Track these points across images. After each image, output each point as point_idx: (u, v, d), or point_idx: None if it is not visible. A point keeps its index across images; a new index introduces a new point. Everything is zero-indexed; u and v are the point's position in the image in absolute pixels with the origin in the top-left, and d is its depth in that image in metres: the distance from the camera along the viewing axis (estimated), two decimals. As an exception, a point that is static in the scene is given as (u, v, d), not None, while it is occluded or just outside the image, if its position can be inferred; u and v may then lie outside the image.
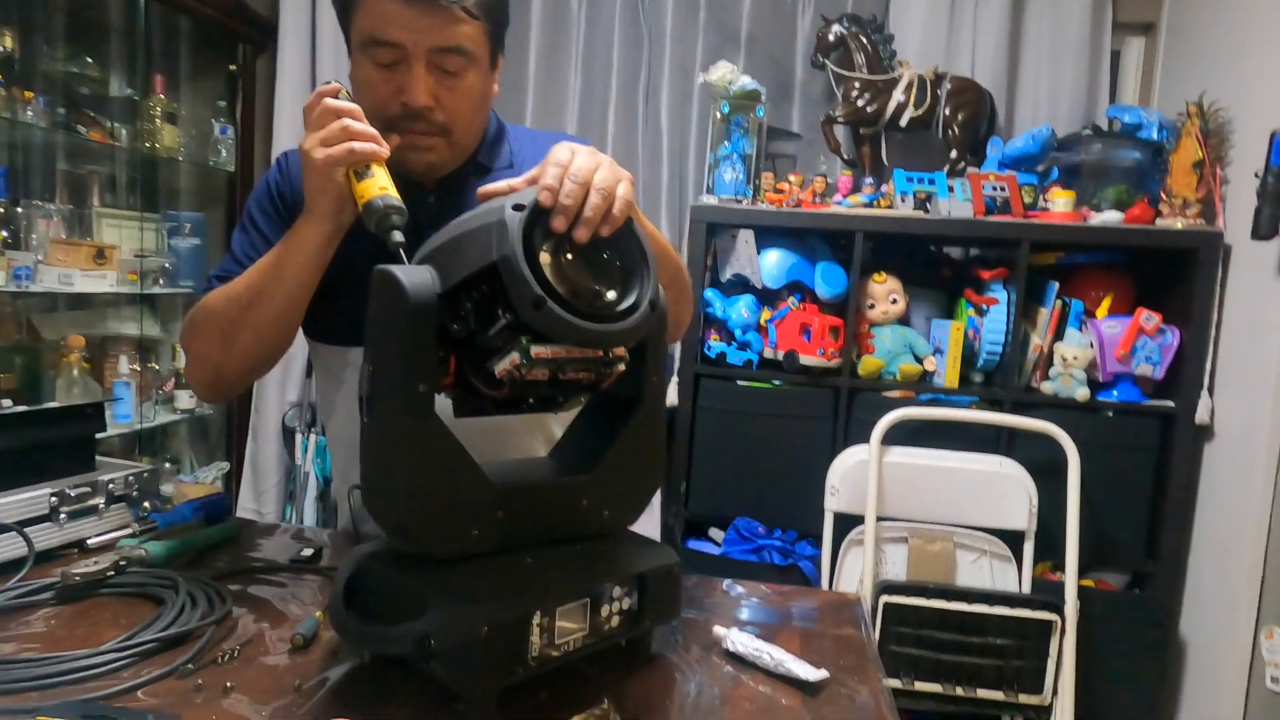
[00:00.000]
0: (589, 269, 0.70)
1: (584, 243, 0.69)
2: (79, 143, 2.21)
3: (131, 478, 1.01)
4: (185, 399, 2.53)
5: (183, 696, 0.68)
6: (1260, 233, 1.63)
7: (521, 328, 0.66)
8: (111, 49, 2.34)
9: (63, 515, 0.93)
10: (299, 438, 2.62)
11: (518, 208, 0.66)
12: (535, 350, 0.67)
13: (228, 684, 0.70)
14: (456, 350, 0.71)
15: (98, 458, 1.04)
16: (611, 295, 0.70)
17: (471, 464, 0.71)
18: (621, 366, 0.75)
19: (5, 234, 1.94)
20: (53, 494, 0.92)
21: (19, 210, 2.03)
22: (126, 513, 1.00)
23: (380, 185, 0.83)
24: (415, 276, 0.67)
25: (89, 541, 0.95)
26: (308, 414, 2.62)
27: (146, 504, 1.02)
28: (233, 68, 2.59)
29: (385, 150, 0.85)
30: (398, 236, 0.80)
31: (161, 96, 2.35)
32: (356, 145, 0.83)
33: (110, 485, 0.98)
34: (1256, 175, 1.64)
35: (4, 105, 1.92)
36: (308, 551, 1.00)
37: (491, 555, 0.73)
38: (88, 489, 0.96)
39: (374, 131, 0.85)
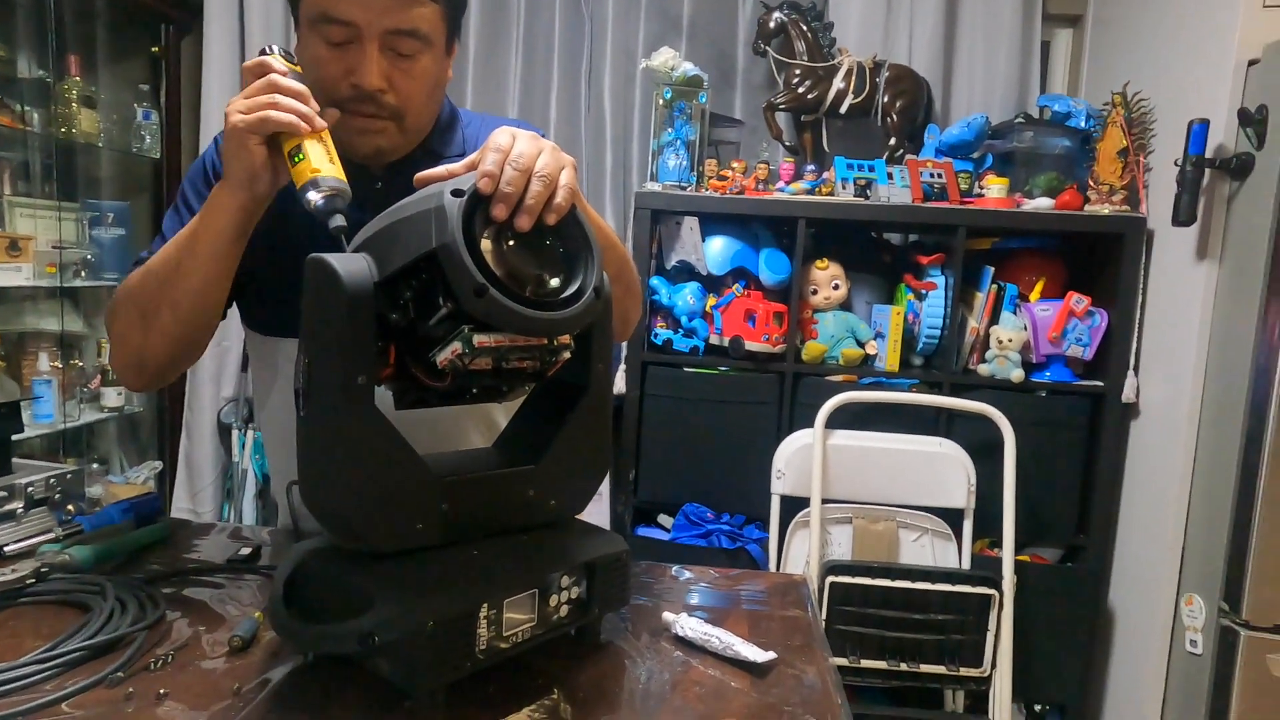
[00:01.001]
0: (532, 256, 0.69)
1: (526, 231, 0.68)
2: (-14, 127, 2.09)
3: (53, 480, 0.96)
4: (113, 396, 2.42)
5: (112, 707, 0.65)
6: (1180, 219, 1.70)
7: (464, 316, 0.65)
8: (19, 27, 2.21)
9: (-23, 521, 0.88)
10: (235, 434, 2.54)
11: (457, 193, 0.65)
12: (478, 339, 0.66)
13: (161, 691, 0.67)
14: (396, 340, 0.69)
15: (16, 460, 0.99)
16: (555, 282, 0.69)
17: (414, 456, 0.70)
18: (566, 354, 0.74)
19: (-93, 225, 1.83)
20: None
21: (-78, 199, 1.91)
22: (49, 517, 0.95)
23: (314, 167, 0.78)
24: (351, 265, 0.65)
25: (7, 548, 0.90)
26: (244, 409, 2.54)
27: (70, 507, 0.97)
28: (155, 49, 2.48)
29: (307, 126, 0.80)
30: (338, 220, 0.77)
31: (77, 79, 2.23)
32: (273, 114, 0.78)
33: (29, 488, 0.94)
34: (1176, 164, 1.71)
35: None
36: (245, 550, 0.97)
37: (437, 549, 0.72)
38: (4, 493, 0.91)
39: (305, 108, 0.80)
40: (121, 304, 0.91)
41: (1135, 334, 1.96)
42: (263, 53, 0.84)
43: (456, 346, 0.65)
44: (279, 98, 0.80)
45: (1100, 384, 2.01)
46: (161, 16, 2.44)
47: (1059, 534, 2.08)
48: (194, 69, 2.52)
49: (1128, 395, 1.96)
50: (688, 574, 1.03)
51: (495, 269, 0.64)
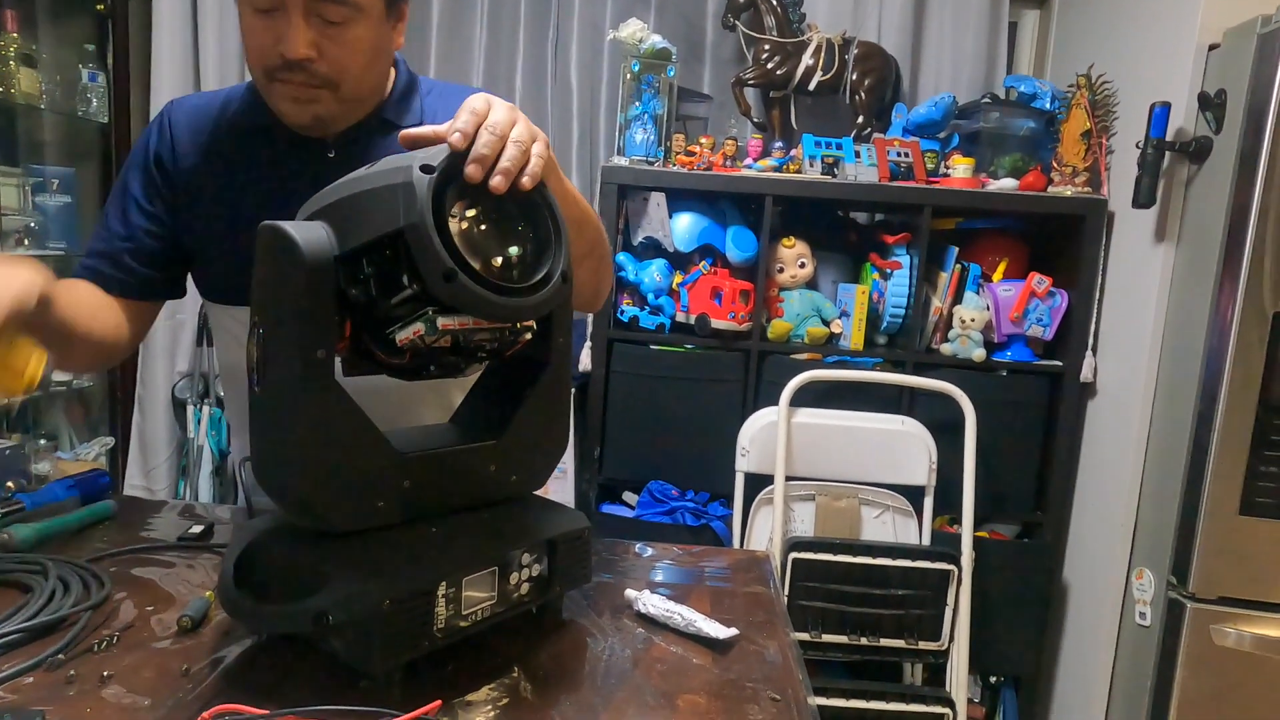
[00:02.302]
0: (499, 238, 0.67)
1: (501, 193, 0.65)
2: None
3: (-9, 455, 0.92)
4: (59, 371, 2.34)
5: (52, 690, 0.63)
6: (1140, 201, 1.72)
7: (427, 298, 0.63)
8: (-48, -20, 2.10)
9: (-91, 498, 0.85)
10: (191, 410, 2.48)
11: (426, 169, 0.62)
12: (442, 321, 0.64)
13: (105, 673, 0.65)
14: (352, 315, 0.66)
15: (-49, 435, 0.95)
16: (521, 265, 0.68)
17: (375, 432, 0.68)
18: (528, 335, 0.72)
19: None
20: (-104, 475, 0.83)
21: None
22: (-13, 493, 0.92)
23: None
24: (310, 234, 0.63)
25: (-58, 526, 0.87)
26: (199, 385, 2.48)
27: (10, 484, 0.93)
28: (100, 7, 2.37)
29: None
30: None
31: (14, 35, 2.12)
32: None
33: (-34, 464, 0.90)
34: (1138, 146, 1.73)
35: None
36: (196, 529, 0.95)
37: (394, 526, 0.70)
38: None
39: None
40: None
41: (1094, 314, 2.00)
42: None
43: (419, 328, 0.63)
44: None
45: (1059, 364, 2.04)
46: (108, -27, 2.34)
47: (1017, 510, 2.12)
48: (142, 29, 2.42)
49: (1085, 375, 2.00)
50: (650, 551, 1.03)
51: (463, 251, 0.62)
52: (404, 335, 0.64)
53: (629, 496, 2.17)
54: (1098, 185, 2.01)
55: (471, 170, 0.64)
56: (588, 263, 0.96)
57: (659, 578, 0.96)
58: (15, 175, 2.21)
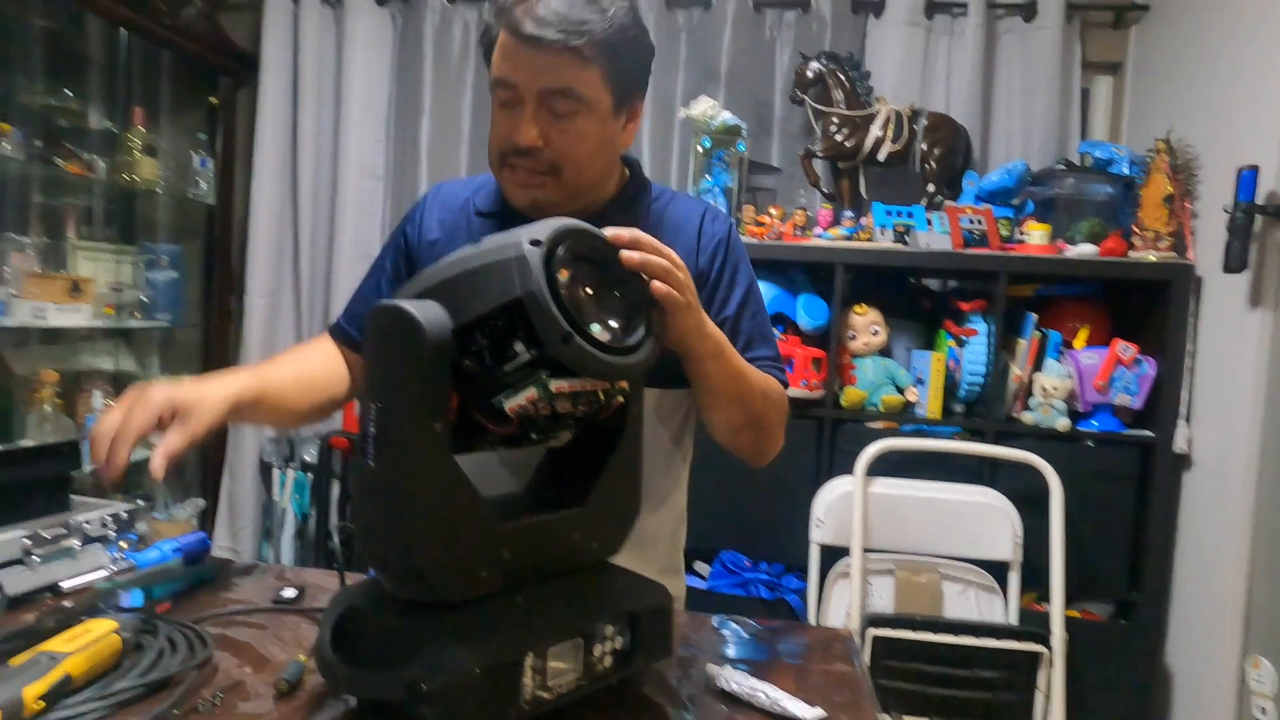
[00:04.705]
0: (599, 305, 0.70)
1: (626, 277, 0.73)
2: (56, 175, 2.18)
3: (108, 518, 0.98)
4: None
5: (162, 747, 0.66)
6: (1231, 266, 1.67)
7: (541, 362, 0.66)
8: (91, 81, 2.33)
9: (36, 558, 0.90)
10: (276, 473, 2.58)
11: (535, 243, 0.66)
12: (555, 384, 0.66)
13: (209, 733, 0.67)
14: (460, 386, 0.69)
15: (72, 497, 1.01)
16: (618, 329, 0.71)
17: (482, 503, 0.70)
18: (621, 398, 0.75)
19: (-22, 268, 1.91)
20: (26, 536, 0.90)
21: (-7, 243, 2.00)
22: (103, 554, 0.97)
23: None
24: (429, 312, 0.65)
25: (63, 585, 0.92)
26: (285, 449, 2.58)
27: (124, 544, 0.99)
28: (213, 100, 2.59)
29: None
30: None
31: (141, 129, 2.34)
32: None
33: (86, 526, 0.96)
34: (1226, 210, 1.68)
35: (-20, 138, 1.90)
36: (290, 592, 0.98)
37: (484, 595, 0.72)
38: (62, 530, 0.93)
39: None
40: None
41: (1186, 382, 1.92)
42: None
43: (532, 392, 0.66)
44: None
45: (1150, 434, 1.96)
46: (220, 69, 2.56)
47: (1110, 589, 2.01)
48: (248, 119, 2.62)
49: (1180, 446, 1.90)
50: (730, 625, 1.02)
51: (574, 315, 0.66)
52: (515, 402, 0.66)
53: (700, 566, 2.15)
54: (1183, 250, 1.95)
55: (657, 285, 0.76)
56: (746, 432, 1.04)
57: (738, 653, 0.94)
58: (131, 253, 2.39)
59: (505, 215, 1.04)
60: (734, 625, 1.02)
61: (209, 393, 0.89)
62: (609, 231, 0.75)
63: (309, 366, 1.10)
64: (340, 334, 1.14)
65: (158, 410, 0.86)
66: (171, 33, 2.30)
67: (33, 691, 0.64)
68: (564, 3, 0.92)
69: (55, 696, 0.66)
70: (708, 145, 2.16)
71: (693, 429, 1.20)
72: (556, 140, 0.95)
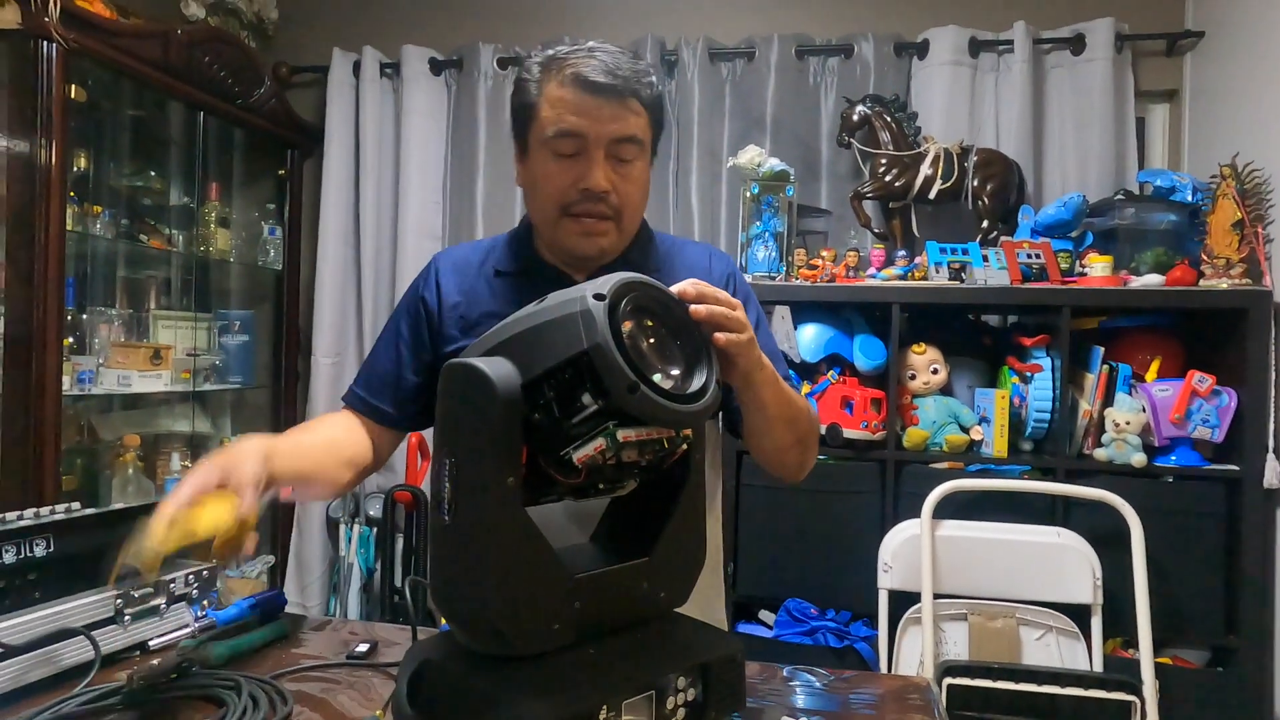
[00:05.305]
0: (661, 352, 0.72)
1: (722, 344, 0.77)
2: (139, 250, 2.32)
3: (191, 577, 1.02)
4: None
5: (248, 803, 0.67)
6: (1310, 289, 1.61)
7: (609, 413, 0.67)
8: (172, 161, 2.48)
9: (127, 617, 0.94)
10: (342, 529, 2.63)
11: (598, 297, 0.68)
12: (622, 434, 0.68)
13: (292, 789, 0.69)
14: (530, 440, 0.71)
15: (156, 557, 1.05)
16: (678, 374, 0.72)
17: (554, 556, 0.71)
18: (684, 446, 0.75)
19: (71, 340, 2.02)
20: (117, 596, 0.93)
21: (84, 317, 2.12)
22: (186, 612, 1.01)
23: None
24: (499, 369, 0.68)
25: (151, 643, 0.96)
26: (350, 505, 2.64)
27: (205, 603, 1.02)
28: (281, 172, 2.73)
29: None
30: None
31: (216, 202, 2.47)
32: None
33: (171, 585, 0.99)
34: (1299, 232, 1.62)
35: (76, 220, 2.04)
36: (363, 647, 1.00)
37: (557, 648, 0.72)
38: (150, 589, 0.97)
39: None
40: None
41: (1271, 413, 1.83)
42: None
43: (600, 443, 0.67)
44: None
45: (1235, 468, 1.87)
46: (287, 143, 2.70)
47: (1204, 633, 1.90)
48: (313, 188, 2.75)
49: (1270, 480, 1.81)
50: (802, 675, 1.00)
51: (639, 365, 0.67)
52: (583, 453, 0.68)
53: (765, 615, 2.10)
54: (1258, 276, 1.89)
55: (719, 336, 0.78)
56: (793, 451, 1.04)
57: (810, 704, 0.92)
58: (206, 320, 2.51)
59: (525, 273, 1.07)
60: (805, 675, 1.00)
61: (241, 448, 0.90)
62: (676, 287, 0.77)
63: (337, 430, 1.10)
64: (360, 403, 1.12)
65: (205, 481, 0.85)
66: (245, 112, 2.45)
67: None
68: (613, 56, 0.97)
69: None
70: (756, 191, 2.18)
71: (719, 465, 1.19)
72: (620, 186, 0.99)
